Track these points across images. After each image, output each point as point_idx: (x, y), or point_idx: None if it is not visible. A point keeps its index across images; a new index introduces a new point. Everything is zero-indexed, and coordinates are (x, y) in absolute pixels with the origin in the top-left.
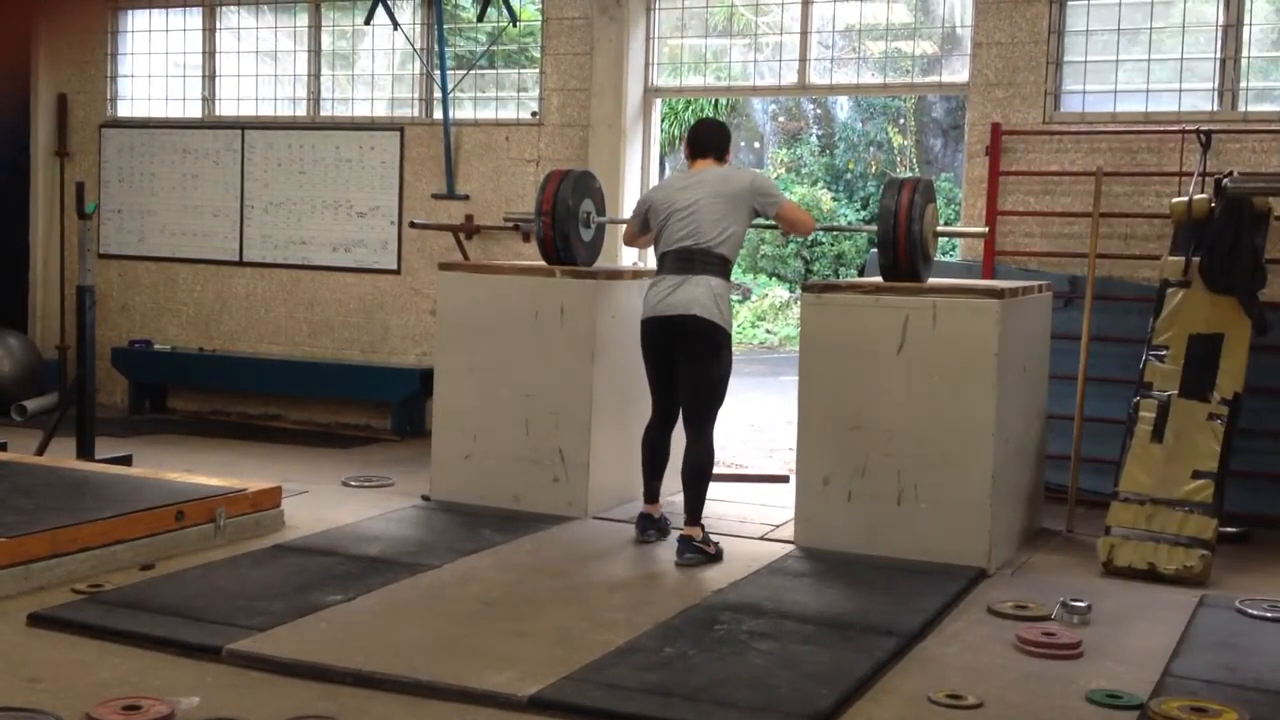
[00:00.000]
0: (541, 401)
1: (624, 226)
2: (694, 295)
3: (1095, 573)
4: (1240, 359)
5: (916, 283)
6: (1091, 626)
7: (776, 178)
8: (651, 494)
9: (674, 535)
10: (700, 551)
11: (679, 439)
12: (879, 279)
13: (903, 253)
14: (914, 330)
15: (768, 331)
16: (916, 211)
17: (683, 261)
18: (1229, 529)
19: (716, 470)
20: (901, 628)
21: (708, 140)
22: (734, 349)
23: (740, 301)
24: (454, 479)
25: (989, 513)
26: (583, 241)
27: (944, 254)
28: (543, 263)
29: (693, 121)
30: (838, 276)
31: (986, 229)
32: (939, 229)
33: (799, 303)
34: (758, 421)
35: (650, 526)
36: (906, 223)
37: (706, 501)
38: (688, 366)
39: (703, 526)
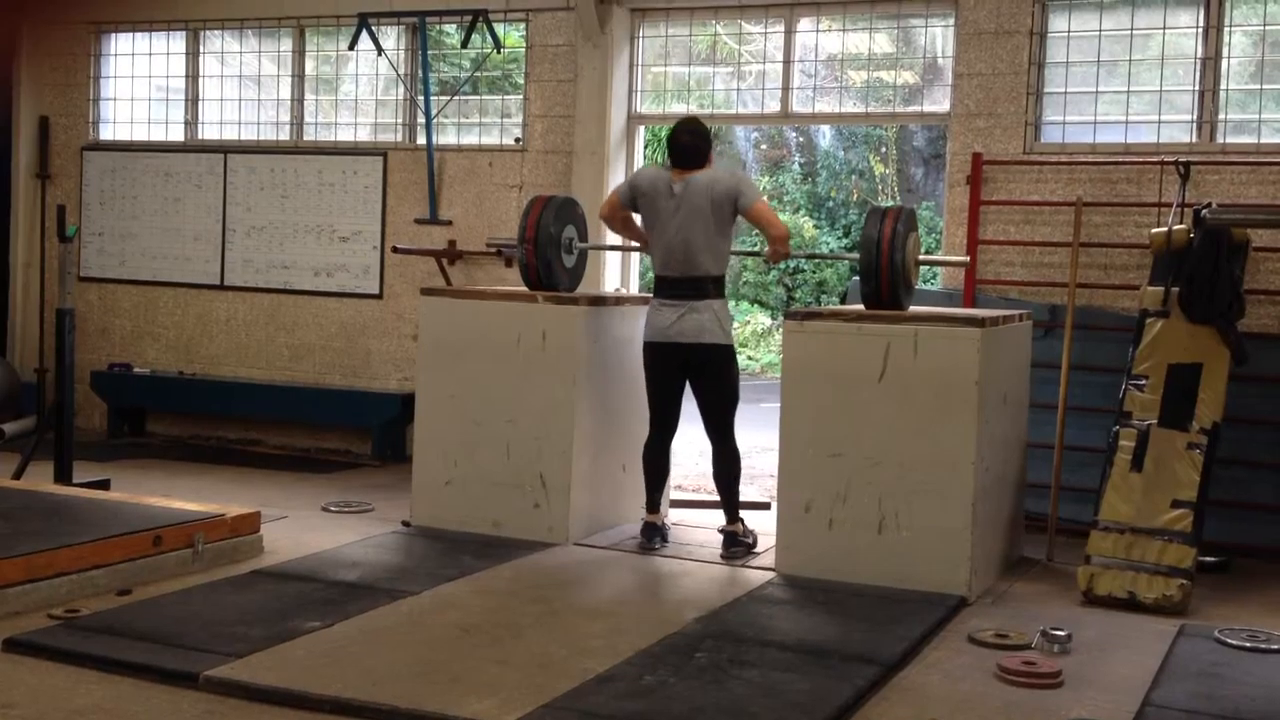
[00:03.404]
0: (523, 427)
1: (613, 224)
2: (702, 323)
3: (1075, 601)
4: (1219, 388)
5: (898, 311)
6: (1072, 655)
7: None
8: (654, 504)
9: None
10: (741, 544)
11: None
12: (861, 307)
13: (885, 281)
14: (895, 358)
15: (749, 358)
16: (899, 240)
17: (684, 289)
18: (1208, 558)
19: (698, 497)
20: (882, 656)
21: (689, 152)
22: None
23: None
24: (434, 505)
25: (969, 541)
26: (565, 268)
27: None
28: (525, 288)
29: (674, 124)
30: (820, 304)
31: (968, 259)
32: (921, 258)
33: (781, 330)
34: (739, 448)
35: (655, 535)
36: (889, 252)
37: (739, 500)
38: (705, 387)
39: (741, 520)
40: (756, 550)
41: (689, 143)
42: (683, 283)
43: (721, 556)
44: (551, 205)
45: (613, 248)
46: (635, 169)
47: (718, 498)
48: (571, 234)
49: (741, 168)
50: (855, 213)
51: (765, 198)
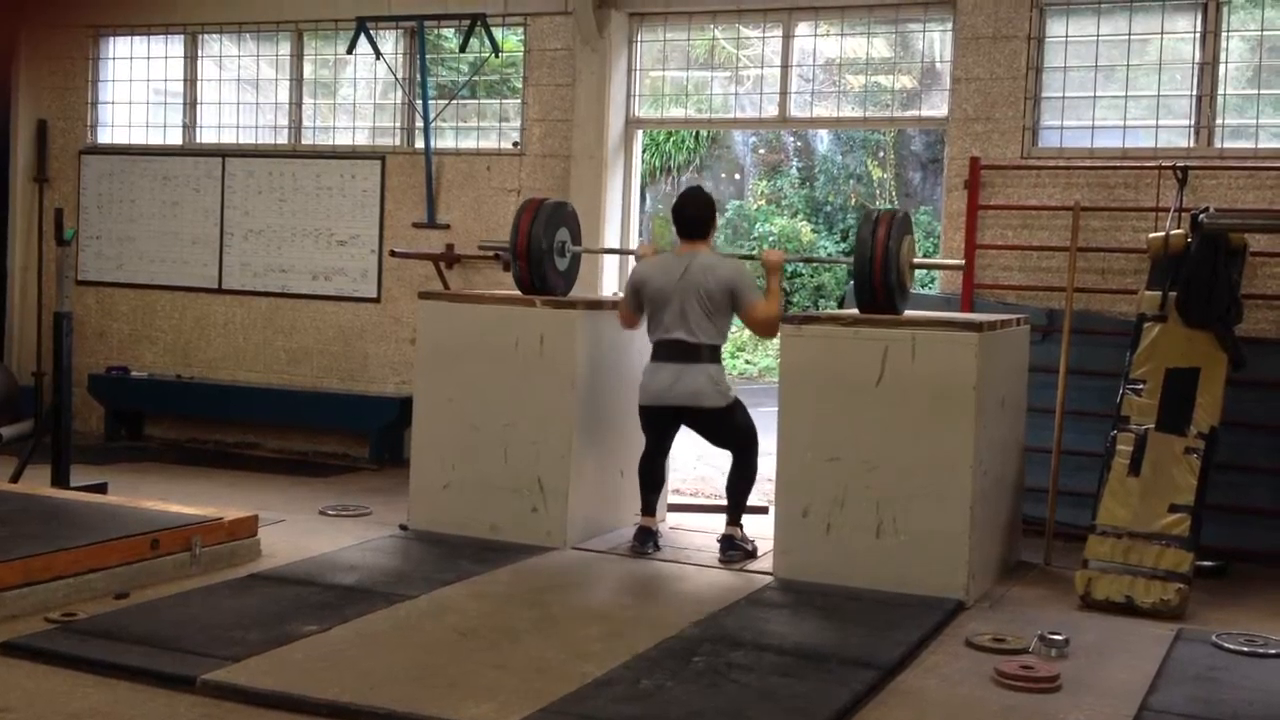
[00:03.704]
0: (521, 431)
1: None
2: (697, 387)
3: (1073, 606)
4: (1216, 393)
5: (894, 315)
6: (1069, 660)
7: (756, 209)
8: (649, 507)
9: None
10: (740, 548)
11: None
12: (858, 311)
13: (879, 285)
14: (893, 362)
15: (747, 362)
16: (894, 244)
17: (679, 353)
18: (1206, 563)
19: (697, 501)
20: (880, 660)
21: (694, 225)
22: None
23: None
24: (432, 508)
25: (967, 545)
26: (559, 272)
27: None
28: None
29: (679, 194)
30: (817, 308)
31: (963, 262)
32: (916, 261)
33: (779, 334)
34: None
35: (649, 539)
36: (883, 255)
37: (745, 508)
38: (713, 440)
39: (741, 526)
40: (757, 556)
41: (694, 214)
42: (678, 346)
43: (719, 560)
44: (542, 212)
45: (606, 250)
46: (633, 176)
47: (714, 502)
48: (564, 237)
49: (739, 172)
50: (853, 217)
51: (760, 292)
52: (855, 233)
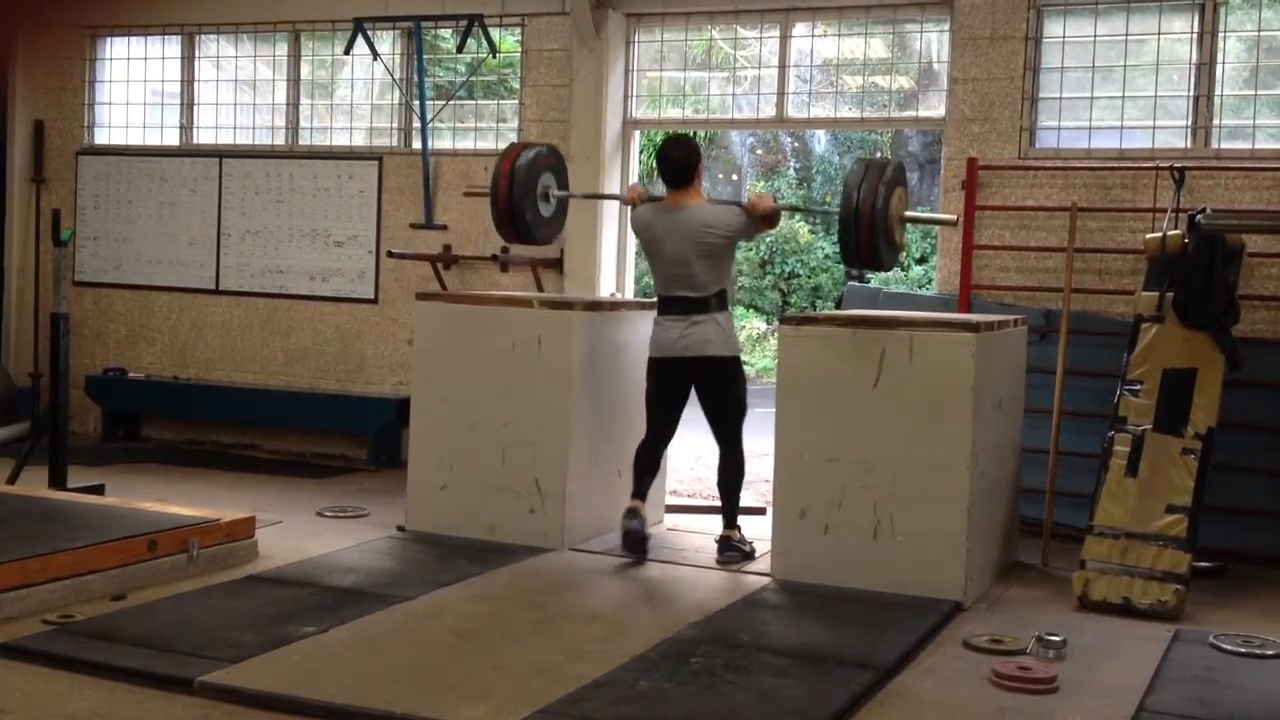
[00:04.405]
0: (518, 432)
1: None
2: (706, 336)
3: (1070, 607)
4: (1214, 394)
5: (878, 269)
6: (1067, 661)
7: None
8: (640, 492)
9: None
10: (738, 549)
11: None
12: (856, 311)
13: (864, 235)
14: (890, 363)
15: (744, 363)
16: (883, 191)
17: (686, 307)
18: (1203, 563)
19: (693, 502)
20: (878, 661)
21: (681, 170)
22: None
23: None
24: (430, 510)
25: (965, 546)
26: (541, 218)
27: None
28: (521, 293)
29: (662, 141)
30: (815, 309)
31: (956, 218)
32: (908, 215)
33: (776, 335)
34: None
35: (635, 517)
36: (871, 202)
37: (739, 506)
38: (713, 398)
39: (739, 527)
40: (755, 557)
41: (681, 159)
42: (684, 302)
43: (717, 561)
44: (529, 151)
45: (593, 196)
46: (630, 176)
47: (713, 503)
48: (549, 182)
49: (737, 173)
50: None
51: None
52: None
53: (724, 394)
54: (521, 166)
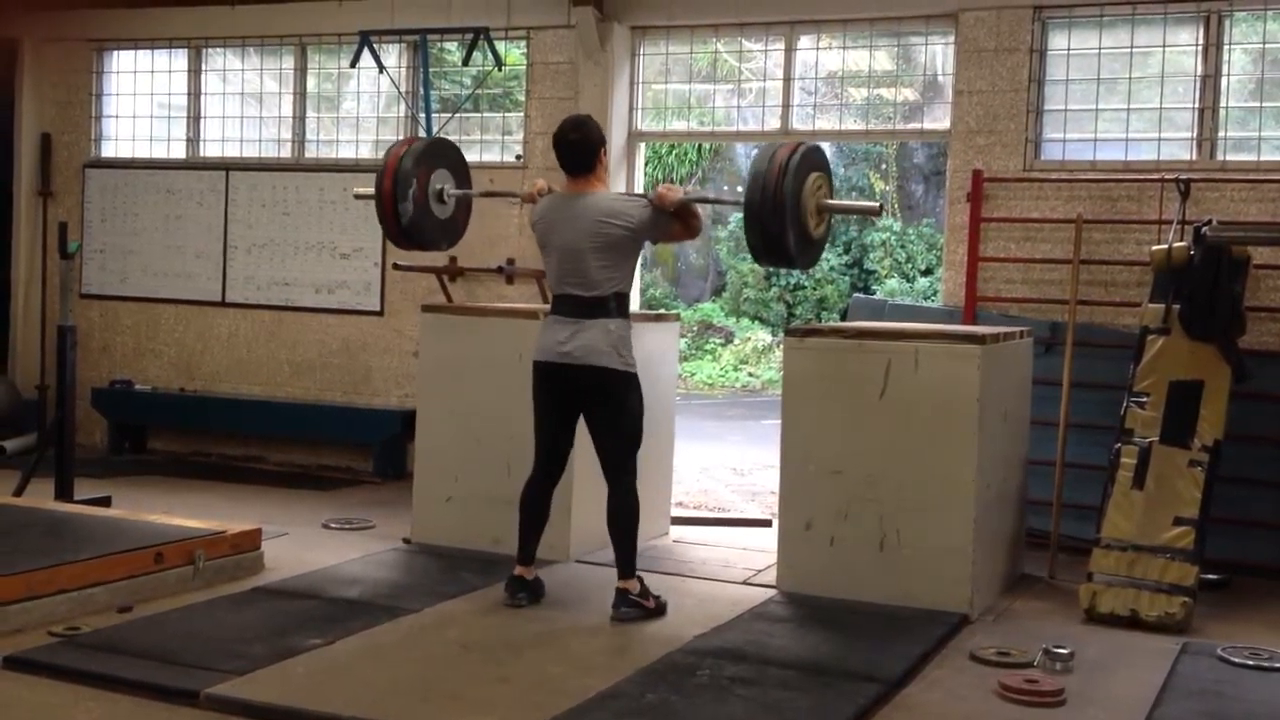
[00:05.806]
0: (524, 444)
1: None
2: (591, 343)
3: (1077, 619)
4: (1220, 406)
5: (791, 266)
6: (1074, 674)
7: None
8: (526, 556)
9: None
10: (637, 605)
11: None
12: (861, 323)
13: (769, 224)
14: (896, 375)
15: (750, 375)
16: (790, 175)
17: (575, 307)
18: (1210, 576)
19: (700, 514)
20: (883, 674)
21: (580, 153)
22: (713, 391)
23: (723, 345)
24: (435, 521)
25: (971, 558)
26: (438, 220)
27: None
28: (526, 305)
29: (560, 123)
30: (820, 320)
31: (878, 205)
32: (828, 203)
33: (781, 346)
34: (740, 465)
35: (521, 589)
36: (776, 185)
37: (637, 554)
38: (597, 416)
39: (640, 578)
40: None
41: (579, 140)
42: (573, 300)
43: (611, 619)
44: (415, 147)
45: (490, 194)
46: (635, 188)
47: (718, 515)
48: (443, 182)
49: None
50: (855, 229)
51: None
52: (858, 244)
53: (609, 417)
54: (405, 164)
